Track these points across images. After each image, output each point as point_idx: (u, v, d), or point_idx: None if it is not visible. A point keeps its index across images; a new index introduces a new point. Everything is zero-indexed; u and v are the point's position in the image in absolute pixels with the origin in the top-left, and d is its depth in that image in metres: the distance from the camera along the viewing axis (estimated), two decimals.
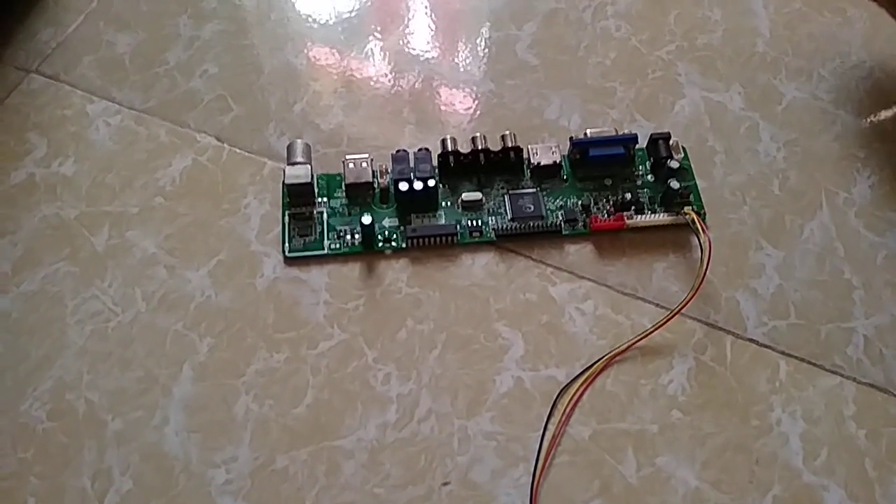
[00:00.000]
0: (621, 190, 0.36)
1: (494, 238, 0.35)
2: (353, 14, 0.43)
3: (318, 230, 0.35)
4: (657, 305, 0.33)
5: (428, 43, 0.42)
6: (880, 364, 0.32)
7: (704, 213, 0.35)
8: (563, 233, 0.35)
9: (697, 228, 0.33)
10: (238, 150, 0.38)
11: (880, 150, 0.38)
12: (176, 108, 0.39)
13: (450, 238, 0.34)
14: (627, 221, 0.34)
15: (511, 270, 0.34)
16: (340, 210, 0.35)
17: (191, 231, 0.35)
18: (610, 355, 0.32)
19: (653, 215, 0.35)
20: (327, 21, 0.43)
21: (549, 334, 0.32)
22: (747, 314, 0.33)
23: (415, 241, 0.34)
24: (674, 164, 0.35)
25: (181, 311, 0.33)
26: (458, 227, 0.35)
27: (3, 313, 0.33)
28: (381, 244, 0.34)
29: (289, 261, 0.34)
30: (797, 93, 0.40)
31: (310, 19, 0.43)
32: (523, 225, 0.35)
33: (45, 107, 0.39)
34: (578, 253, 0.35)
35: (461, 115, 0.39)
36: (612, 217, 0.35)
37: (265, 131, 0.38)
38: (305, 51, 0.42)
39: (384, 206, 0.36)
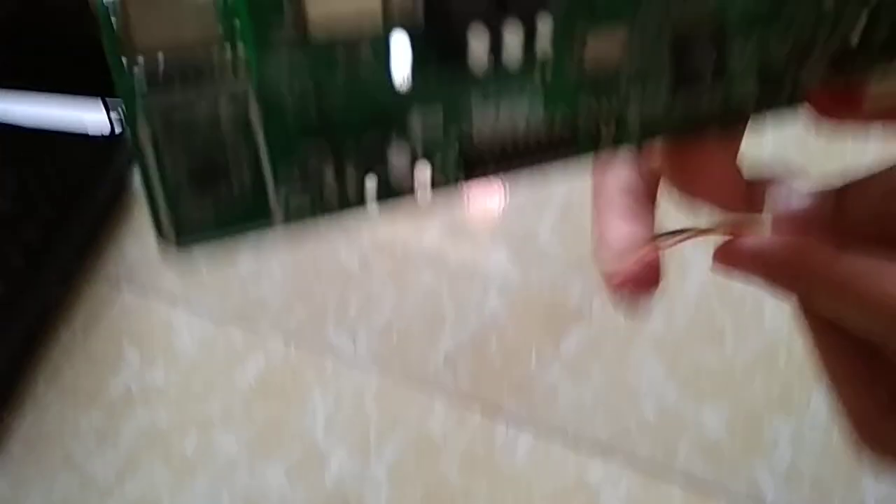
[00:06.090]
0: None
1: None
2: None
3: None
4: None
5: (454, 247, 0.48)
6: None
7: None
8: None
9: None
10: (304, 351, 0.43)
11: None
12: (248, 314, 0.45)
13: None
14: None
15: (548, 459, 0.38)
16: None
17: (266, 431, 0.40)
18: None
19: None
20: (374, 225, 0.49)
21: None
22: (765, 490, 0.36)
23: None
24: None
25: None
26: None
27: None
28: None
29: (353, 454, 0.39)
30: None
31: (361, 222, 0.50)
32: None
33: (136, 319, 0.45)
34: None
35: (492, 305, 0.45)
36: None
37: (326, 331, 0.44)
38: (357, 252, 0.48)
39: None
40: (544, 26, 0.11)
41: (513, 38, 0.11)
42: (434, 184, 0.12)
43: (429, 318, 0.44)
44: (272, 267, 0.47)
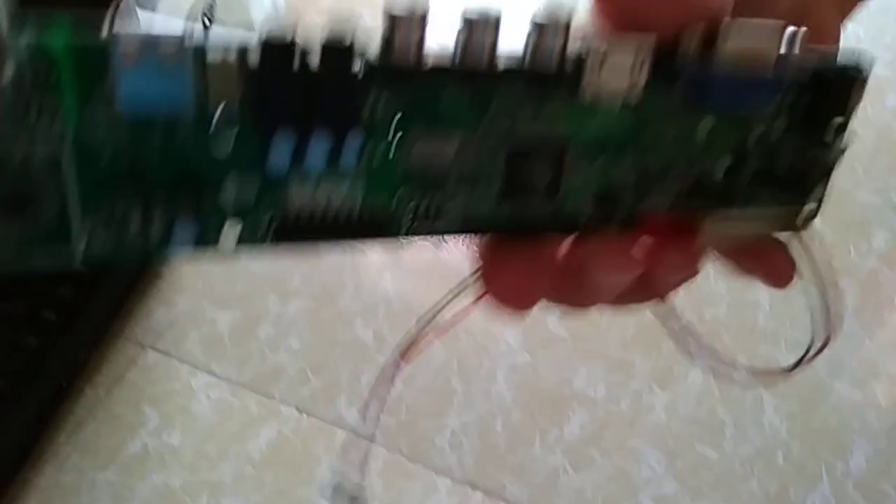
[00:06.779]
0: None
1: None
2: (411, 295, 0.52)
3: None
4: None
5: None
6: None
7: None
8: None
9: None
10: (315, 420, 0.45)
11: (874, 421, 0.43)
12: (264, 381, 0.47)
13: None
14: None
15: None
16: None
17: (275, 499, 0.41)
18: None
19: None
20: (390, 298, 0.52)
21: None
22: None
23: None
24: None
25: None
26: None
27: None
28: None
29: None
30: None
31: (376, 295, 0.52)
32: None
33: (158, 381, 0.47)
34: None
35: (501, 385, 0.46)
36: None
37: (337, 402, 0.46)
38: (372, 325, 0.50)
39: None
40: (355, 139, 0.12)
41: (319, 146, 0.12)
42: (241, 241, 0.12)
43: (438, 395, 0.46)
44: (290, 335, 0.49)
